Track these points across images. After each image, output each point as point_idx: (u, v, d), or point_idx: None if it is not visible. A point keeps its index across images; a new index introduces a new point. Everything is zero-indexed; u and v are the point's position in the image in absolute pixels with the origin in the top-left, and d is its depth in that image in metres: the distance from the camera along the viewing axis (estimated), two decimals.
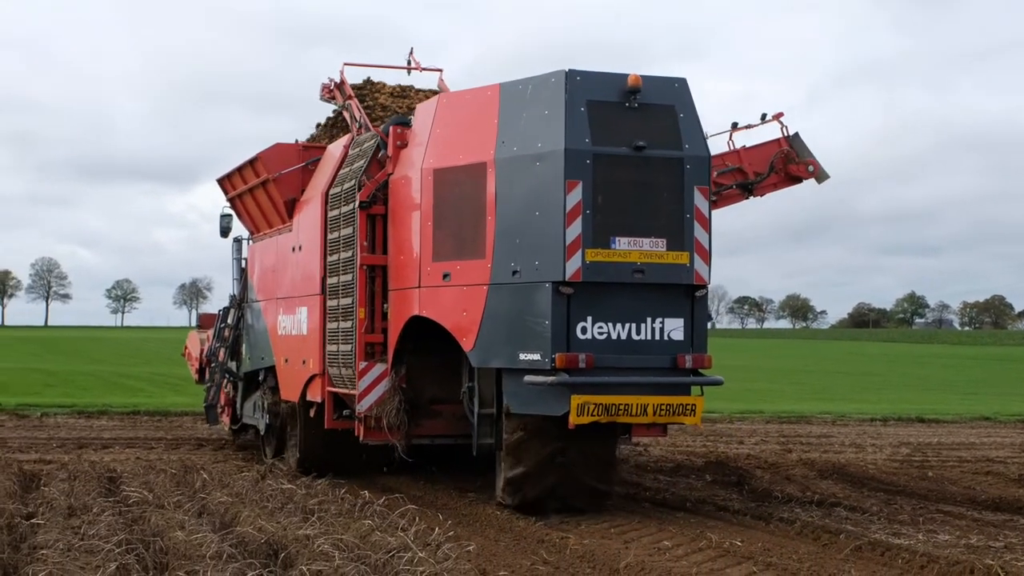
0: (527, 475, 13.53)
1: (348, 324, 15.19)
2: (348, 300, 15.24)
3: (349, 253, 15.25)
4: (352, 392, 15.09)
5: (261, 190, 18.34)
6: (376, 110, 17.72)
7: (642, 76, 13.01)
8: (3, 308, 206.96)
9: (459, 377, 14.49)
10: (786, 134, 16.84)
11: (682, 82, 13.43)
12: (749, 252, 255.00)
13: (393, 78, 19.09)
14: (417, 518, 12.39)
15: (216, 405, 20.88)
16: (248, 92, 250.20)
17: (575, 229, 12.61)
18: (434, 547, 10.93)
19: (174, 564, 9.87)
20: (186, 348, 25.81)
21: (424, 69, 18.95)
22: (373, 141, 15.24)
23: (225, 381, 21.18)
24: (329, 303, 15.90)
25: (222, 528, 11.68)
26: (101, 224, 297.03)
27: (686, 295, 13.26)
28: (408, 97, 18.41)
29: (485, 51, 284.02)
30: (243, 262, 21.28)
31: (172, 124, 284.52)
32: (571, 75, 12.87)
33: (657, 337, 13.05)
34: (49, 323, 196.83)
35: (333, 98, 18.53)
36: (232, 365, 20.95)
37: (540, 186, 12.85)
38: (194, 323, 29.56)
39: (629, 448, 21.96)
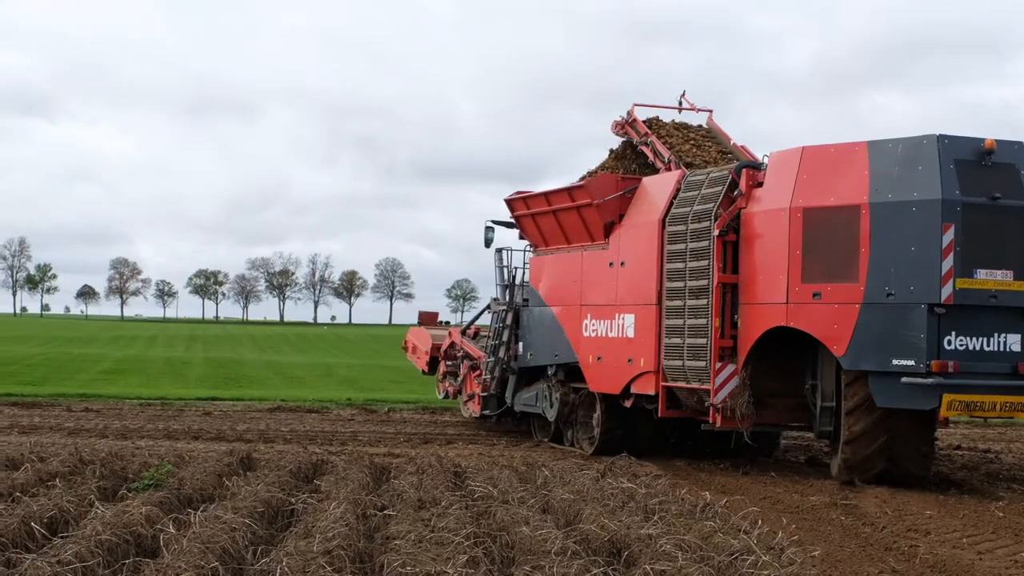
0: (865, 460, 16.40)
1: (699, 330, 17.54)
2: (699, 311, 17.54)
3: (699, 272, 17.55)
4: (693, 387, 17.77)
5: (573, 212, 20.58)
6: (672, 145, 20.86)
7: (996, 140, 15.82)
8: (351, 307, 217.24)
9: (790, 375, 17.43)
10: None
11: (1020, 144, 16.18)
12: None
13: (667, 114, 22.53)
14: (760, 521, 12.27)
15: (495, 395, 23.51)
16: (587, 91, 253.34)
17: (948, 262, 15.36)
18: (778, 551, 10.77)
19: (520, 559, 10.07)
20: (408, 343, 29.66)
21: (699, 110, 22.52)
22: (724, 180, 17.56)
23: (472, 374, 24.75)
24: (669, 312, 18.24)
25: (565, 525, 11.85)
26: (442, 224, 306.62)
27: (1021, 316, 15.90)
28: (688, 132, 21.78)
29: (826, 46, 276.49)
30: (506, 271, 24.23)
31: (510, 124, 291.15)
32: (940, 139, 15.62)
33: (1001, 348, 15.79)
34: (392, 321, 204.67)
35: (625, 133, 22.18)
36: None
37: (916, 226, 15.51)
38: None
39: (979, 455, 21.34)
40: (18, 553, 9.92)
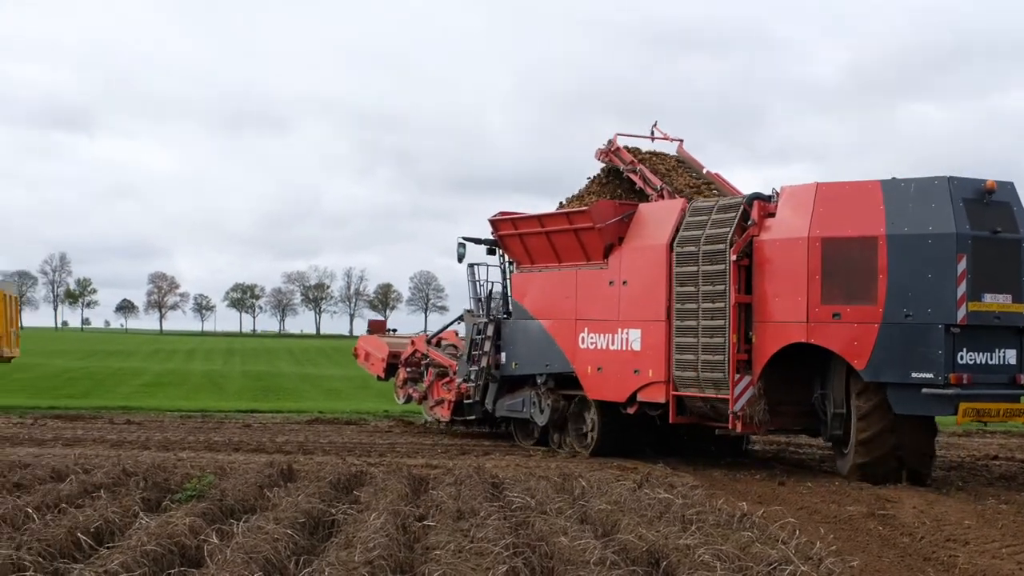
0: (876, 460, 18.07)
1: (715, 345, 18.97)
2: (715, 327, 18.97)
3: (714, 293, 18.99)
4: (708, 396, 19.28)
5: (570, 234, 21.87)
6: (658, 173, 22.67)
7: (995, 181, 17.63)
8: (386, 319, 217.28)
9: (799, 386, 19.06)
10: None
11: (1012, 184, 18.11)
12: None
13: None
14: (797, 531, 12.25)
15: (479, 401, 24.49)
16: (616, 102, 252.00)
17: (962, 288, 17.11)
18: (816, 561, 10.74)
19: (559, 569, 10.09)
20: (359, 350, 31.02)
21: (672, 139, 24.35)
22: (735, 208, 19.03)
23: (438, 381, 26.33)
24: (679, 328, 19.65)
25: (603, 535, 11.88)
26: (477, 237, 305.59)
27: (1018, 333, 17.91)
28: (662, 160, 23.56)
29: (856, 56, 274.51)
30: (479, 285, 25.52)
31: (540, 135, 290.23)
32: (951, 180, 17.39)
33: (1001, 362, 17.71)
34: None
35: (610, 160, 23.81)
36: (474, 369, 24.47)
37: (932, 256, 17.22)
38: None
39: (1017, 465, 21.30)
40: (66, 563, 10.05)
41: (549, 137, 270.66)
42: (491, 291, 25.33)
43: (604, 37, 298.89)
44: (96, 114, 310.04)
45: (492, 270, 25.49)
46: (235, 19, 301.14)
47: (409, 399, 28.20)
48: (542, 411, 22.91)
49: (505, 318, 24.32)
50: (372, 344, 30.32)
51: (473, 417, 25.42)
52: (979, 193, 17.49)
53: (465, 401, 24.98)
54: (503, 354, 24.01)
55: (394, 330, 33.19)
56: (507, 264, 24.77)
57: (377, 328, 32.48)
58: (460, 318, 27.23)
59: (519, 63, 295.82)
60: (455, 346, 27.12)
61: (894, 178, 17.83)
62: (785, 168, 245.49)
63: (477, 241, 25.21)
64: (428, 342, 27.83)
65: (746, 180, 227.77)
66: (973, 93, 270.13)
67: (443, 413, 26.25)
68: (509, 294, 24.50)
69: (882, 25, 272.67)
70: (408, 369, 27.95)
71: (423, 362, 27.49)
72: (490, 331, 24.19)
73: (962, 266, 17.04)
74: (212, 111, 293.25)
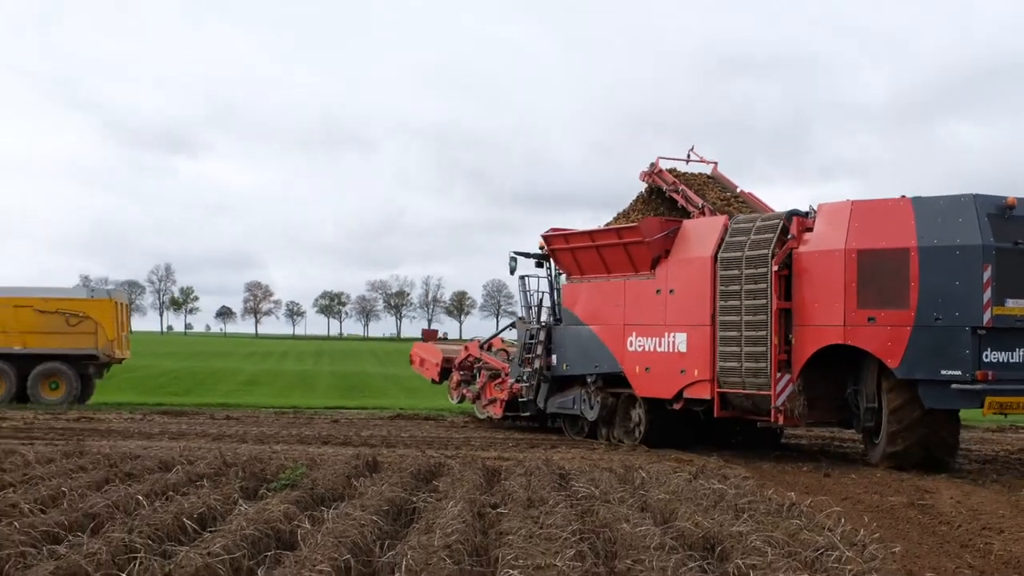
0: (907, 448, 18.48)
1: (759, 348, 19.39)
2: (758, 331, 19.37)
3: (756, 300, 19.41)
4: (750, 393, 19.64)
5: (620, 248, 22.26)
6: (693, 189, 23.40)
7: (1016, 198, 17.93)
8: (461, 324, 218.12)
9: (833, 383, 19.42)
10: None
11: (1000, 199, 18.03)
12: None
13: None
14: (842, 519, 12.13)
15: (532, 400, 24.98)
16: (673, 123, 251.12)
17: (988, 294, 17.44)
18: (860, 547, 10.63)
19: (622, 553, 10.05)
20: (415, 356, 31.30)
21: (707, 162, 24.98)
22: (775, 226, 19.43)
23: (491, 382, 26.90)
24: (723, 332, 20.05)
25: (662, 522, 11.84)
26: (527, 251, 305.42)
27: None
28: (697, 180, 24.22)
29: (902, 80, 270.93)
30: (529, 295, 26.01)
31: (602, 154, 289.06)
32: (976, 197, 17.69)
33: (1022, 360, 17.86)
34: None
35: (653, 181, 24.31)
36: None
37: (960, 266, 17.59)
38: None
39: None
40: (173, 546, 10.17)
41: (609, 155, 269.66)
42: (541, 300, 25.78)
43: (666, 63, 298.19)
44: (198, 137, 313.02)
45: (541, 281, 25.91)
46: (321, 47, 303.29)
47: (462, 399, 28.73)
48: (592, 407, 23.42)
49: (555, 324, 24.70)
50: (426, 351, 30.77)
51: (526, 414, 25.86)
52: (1001, 209, 17.81)
53: (520, 400, 25.47)
54: (554, 356, 24.54)
55: (445, 335, 33.72)
56: (555, 275, 25.17)
57: (430, 336, 33.13)
58: (512, 325, 28.12)
59: (586, 87, 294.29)
60: (505, 351, 27.83)
61: (924, 196, 18.27)
62: (831, 185, 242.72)
63: (527, 255, 25.68)
64: (481, 347, 28.35)
65: (795, 196, 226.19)
66: (1008, 111, 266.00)
67: (495, 411, 26.89)
68: (559, 302, 24.94)
69: (922, 45, 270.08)
70: (461, 372, 28.50)
71: (476, 365, 28.01)
72: (542, 336, 24.73)
73: (987, 274, 17.43)
74: (304, 133, 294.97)
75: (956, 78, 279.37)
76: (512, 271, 25.89)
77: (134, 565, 9.11)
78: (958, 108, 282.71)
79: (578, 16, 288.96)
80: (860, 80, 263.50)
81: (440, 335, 33.88)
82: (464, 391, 28.34)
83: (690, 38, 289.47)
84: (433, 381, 30.37)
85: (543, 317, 25.48)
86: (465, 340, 31.75)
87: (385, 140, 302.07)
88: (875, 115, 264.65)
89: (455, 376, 28.74)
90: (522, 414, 26.01)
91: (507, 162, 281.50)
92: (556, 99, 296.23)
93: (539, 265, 25.63)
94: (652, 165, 24.40)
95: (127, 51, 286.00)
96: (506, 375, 26.33)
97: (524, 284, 26.11)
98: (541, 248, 24.96)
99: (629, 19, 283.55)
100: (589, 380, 23.45)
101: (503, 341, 29.17)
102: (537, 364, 24.72)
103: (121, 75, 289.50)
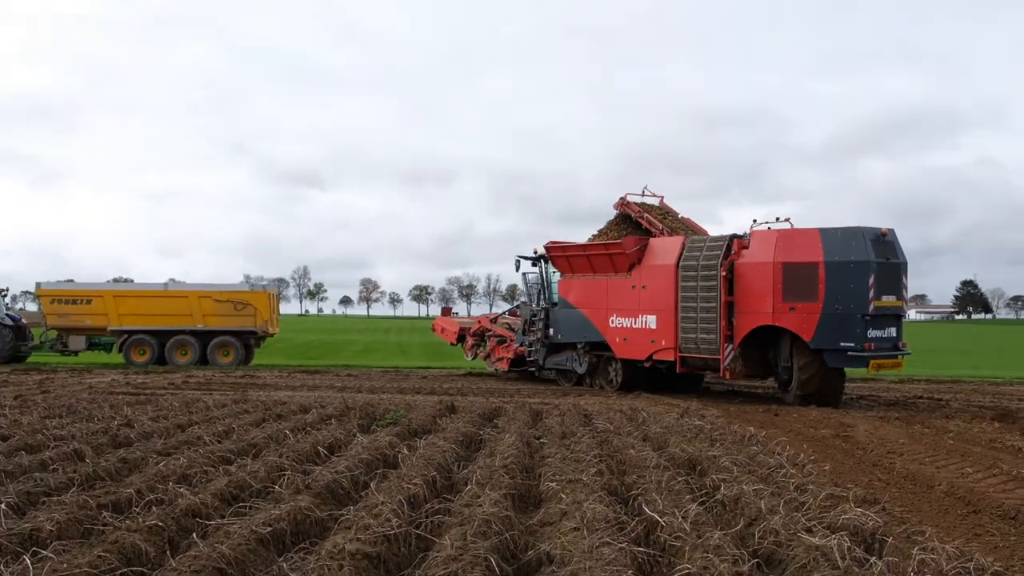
0: (810, 392, 19.12)
1: (710, 327, 19.83)
2: (710, 316, 19.81)
3: (710, 295, 19.78)
4: (704, 356, 20.06)
5: (606, 256, 22.31)
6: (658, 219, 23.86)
7: (888, 228, 18.68)
8: (512, 306, 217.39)
9: (759, 349, 19.81)
10: None
11: (894, 230, 18.83)
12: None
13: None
14: (788, 446, 12.03)
15: (534, 360, 25.07)
16: (670, 164, 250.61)
17: (872, 292, 18.19)
18: (801, 466, 10.56)
19: (630, 471, 10.04)
20: (437, 326, 30.84)
21: (655, 195, 25.23)
22: (721, 244, 19.84)
23: (499, 346, 27.04)
24: (684, 315, 20.43)
25: (658, 449, 11.80)
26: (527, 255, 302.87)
27: (897, 318, 18.83)
28: (652, 209, 24.50)
29: (834, 130, 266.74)
30: (529, 286, 25.78)
31: (622, 184, 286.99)
32: (863, 229, 18.36)
33: (887, 335, 18.59)
34: None
35: (622, 209, 24.59)
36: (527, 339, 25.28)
37: (854, 274, 18.24)
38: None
39: (934, 403, 20.61)
40: (310, 466, 10.26)
41: (627, 184, 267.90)
42: (539, 290, 25.73)
43: (666, 117, 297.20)
44: (326, 174, 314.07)
45: (534, 277, 25.93)
46: (418, 110, 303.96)
47: (475, 356, 28.87)
48: (581, 364, 23.80)
49: (552, 307, 24.76)
50: (446, 322, 30.71)
51: (532, 369, 25.92)
52: (879, 236, 18.59)
53: (528, 359, 25.64)
54: (551, 329, 24.64)
55: (456, 312, 33.83)
56: (548, 272, 25.08)
57: (446, 313, 32.88)
58: (517, 307, 28.22)
59: (612, 136, 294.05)
60: (508, 324, 28.08)
61: (827, 227, 18.90)
62: (782, 205, 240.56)
63: (527, 258, 25.53)
64: (491, 321, 28.79)
65: (756, 212, 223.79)
66: (908, 150, 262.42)
67: (503, 366, 27.09)
68: (555, 292, 24.85)
69: (849, 106, 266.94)
70: (474, 338, 28.71)
71: (487, 333, 28.26)
72: (543, 315, 24.82)
73: (871, 280, 18.18)
74: (403, 170, 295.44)
75: (872, 129, 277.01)
76: (517, 268, 25.71)
77: (283, 479, 9.21)
78: (872, 150, 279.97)
79: (605, 86, 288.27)
80: (805, 130, 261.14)
81: (452, 313, 33.98)
82: (478, 351, 28.76)
83: (685, 98, 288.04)
84: (451, 343, 30.36)
85: (540, 302, 25.44)
86: (476, 316, 31.90)
87: (461, 175, 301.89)
88: (813, 155, 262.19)
89: (469, 340, 28.90)
90: (528, 368, 26.16)
91: (550, 190, 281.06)
92: (589, 145, 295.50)
93: (534, 265, 25.47)
94: (622, 199, 24.69)
95: (277, 115, 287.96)
96: (511, 341, 26.67)
97: (525, 279, 26.26)
98: (535, 252, 25.00)
99: (641, 86, 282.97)
100: (579, 346, 23.76)
101: (500, 315, 29.74)
102: (539, 334, 24.88)
103: (272, 132, 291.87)
